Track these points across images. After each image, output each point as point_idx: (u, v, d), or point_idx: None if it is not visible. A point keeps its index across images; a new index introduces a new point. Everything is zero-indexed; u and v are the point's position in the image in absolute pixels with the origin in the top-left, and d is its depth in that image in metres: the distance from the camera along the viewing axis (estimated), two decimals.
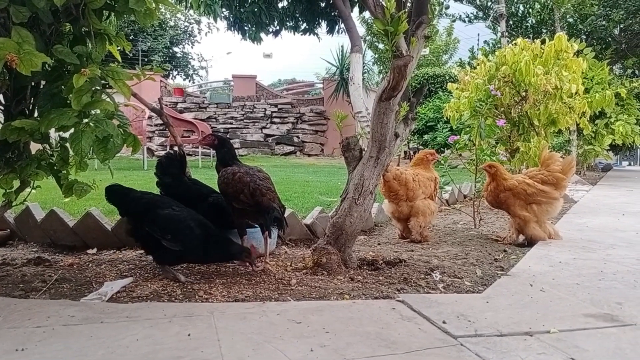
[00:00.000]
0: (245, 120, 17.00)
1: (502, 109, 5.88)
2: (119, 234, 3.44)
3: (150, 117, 14.89)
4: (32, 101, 2.90)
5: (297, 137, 17.11)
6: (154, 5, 2.96)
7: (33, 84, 2.85)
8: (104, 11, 2.97)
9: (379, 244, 3.76)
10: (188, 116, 14.79)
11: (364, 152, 3.12)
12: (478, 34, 22.20)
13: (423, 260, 3.21)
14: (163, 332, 1.90)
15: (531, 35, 12.66)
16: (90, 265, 3.00)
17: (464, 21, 16.18)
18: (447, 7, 16.50)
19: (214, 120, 16.66)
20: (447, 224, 4.77)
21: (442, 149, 12.03)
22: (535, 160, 5.57)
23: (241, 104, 17.19)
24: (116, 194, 2.91)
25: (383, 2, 2.63)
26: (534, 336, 1.95)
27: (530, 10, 13.76)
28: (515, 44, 5.96)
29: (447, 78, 14.45)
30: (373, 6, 2.77)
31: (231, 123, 16.86)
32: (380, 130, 2.97)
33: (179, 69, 23.44)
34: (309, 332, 1.93)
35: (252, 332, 1.91)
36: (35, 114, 2.88)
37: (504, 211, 3.97)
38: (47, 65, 2.71)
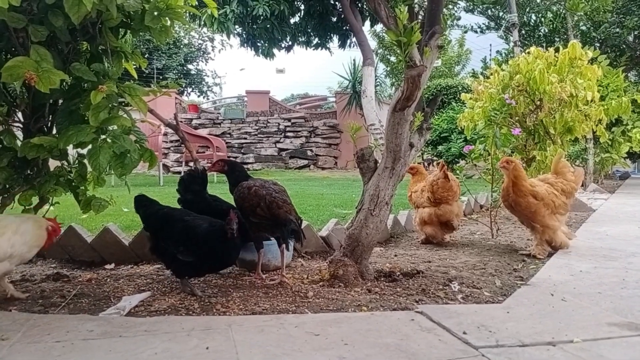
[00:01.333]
0: (259, 135, 17.11)
1: (517, 117, 5.84)
2: (137, 249, 3.46)
3: (165, 134, 15.06)
4: (50, 118, 2.95)
5: (311, 150, 17.16)
6: (169, 22, 3.01)
7: (51, 101, 2.90)
8: (120, 29, 3.02)
9: (395, 256, 3.73)
10: (203, 132, 14.92)
11: (378, 163, 3.11)
12: (490, 45, 22.17)
13: (441, 271, 3.18)
14: (181, 345, 1.90)
15: (544, 44, 12.58)
16: (109, 280, 3.02)
17: (476, 32, 16.19)
18: (459, 19, 16.53)
19: (229, 135, 16.79)
20: (464, 234, 4.72)
21: (456, 159, 11.96)
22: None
23: (255, 119, 17.31)
24: (140, 207, 2.96)
25: (395, 13, 2.64)
26: (557, 346, 1.91)
27: (543, 19, 13.70)
28: (529, 52, 5.94)
29: (460, 89, 14.39)
30: (386, 18, 2.78)
31: (245, 138, 16.96)
32: (395, 141, 2.97)
33: (193, 86, 23.72)
34: (327, 344, 1.91)
35: (270, 345, 1.90)
36: (54, 131, 2.93)
37: (522, 217, 3.89)
38: (65, 83, 2.77)
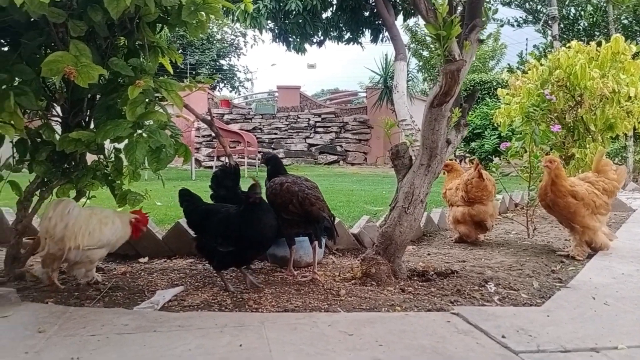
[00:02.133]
0: (289, 131, 17.12)
1: (556, 114, 5.66)
2: (170, 243, 3.50)
3: (198, 129, 15.23)
4: (88, 113, 2.99)
5: (341, 146, 17.08)
6: (204, 17, 3.01)
7: (89, 96, 2.93)
8: (157, 24, 3.04)
9: (428, 255, 3.67)
10: (234, 127, 15.04)
11: (413, 160, 3.05)
12: (526, 39, 21.64)
13: (476, 271, 3.11)
14: (215, 341, 1.90)
15: (584, 39, 12.19)
16: (142, 273, 3.05)
17: (513, 25, 15.78)
18: (496, 12, 16.08)
19: (259, 130, 16.86)
20: (499, 234, 4.61)
21: (489, 156, 11.70)
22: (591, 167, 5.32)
23: (285, 114, 17.33)
24: (183, 201, 2.97)
25: (435, 6, 2.57)
26: (600, 352, 1.84)
27: (583, 12, 13.28)
28: (569, 47, 5.74)
29: (495, 84, 14.11)
30: (425, 11, 2.71)
31: (276, 133, 17.01)
32: (432, 137, 2.90)
33: (225, 81, 23.94)
34: (361, 345, 1.88)
35: (303, 344, 1.88)
36: (91, 126, 2.97)
37: (561, 217, 3.77)
38: (102, 78, 2.79)
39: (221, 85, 23.59)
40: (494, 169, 4.38)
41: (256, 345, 1.86)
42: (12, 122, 2.49)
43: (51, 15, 2.36)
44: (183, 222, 3.51)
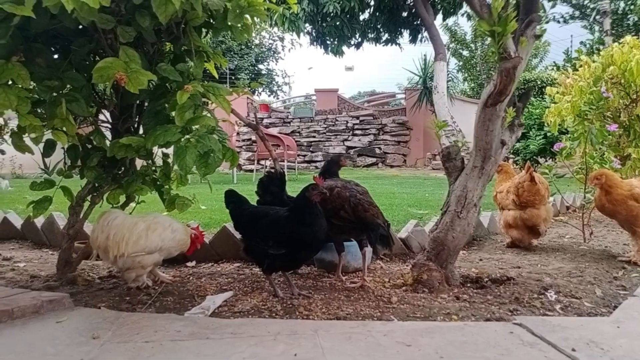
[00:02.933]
0: (327, 133, 17.10)
1: (610, 112, 5.40)
2: (217, 247, 3.49)
3: (238, 133, 15.39)
4: (137, 119, 3.01)
5: (379, 148, 16.93)
6: (249, 20, 2.99)
7: (138, 102, 2.95)
8: (202, 29, 3.03)
9: (480, 260, 3.54)
10: (273, 131, 15.11)
11: (465, 162, 2.94)
12: (571, 35, 20.91)
13: (534, 278, 2.96)
14: (269, 350, 1.85)
15: (633, 34, 11.70)
16: (191, 278, 3.05)
17: (558, 22, 15.29)
18: (554, 5, 15.42)
19: (298, 134, 16.90)
20: (552, 238, 4.42)
21: (534, 157, 11.35)
22: None
23: (323, 117, 17.32)
24: (229, 202, 2.91)
25: (489, 1, 2.47)
26: None
27: (632, 7, 12.73)
28: (623, 42, 5.48)
29: (539, 83, 13.69)
30: (479, 6, 2.60)
31: (314, 136, 17.02)
32: (485, 138, 2.79)
33: (263, 86, 24.13)
34: (421, 357, 1.79)
35: (360, 354, 1.81)
36: (141, 132, 2.98)
37: (622, 222, 3.57)
38: (150, 84, 2.80)
39: (260, 89, 23.81)
40: (547, 171, 4.20)
41: (311, 355, 1.80)
42: (64, 128, 2.52)
43: (100, 21, 2.38)
44: (229, 226, 3.50)
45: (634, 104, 5.29)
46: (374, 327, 2.10)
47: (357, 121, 17.26)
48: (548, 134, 10.86)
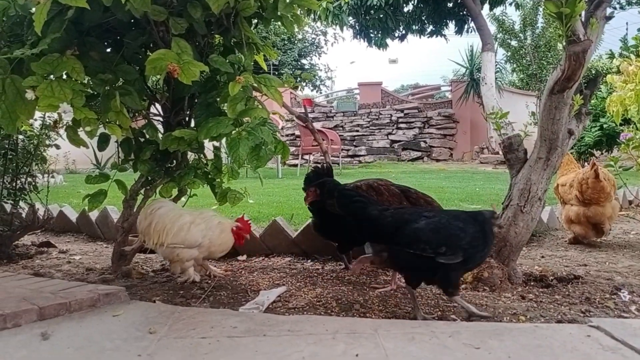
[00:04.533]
0: (371, 127, 16.93)
1: None
2: (267, 241, 3.44)
3: (282, 128, 15.42)
4: (188, 112, 2.99)
5: (424, 142, 16.62)
6: (299, 10, 2.91)
7: (189, 95, 2.93)
8: (252, 20, 2.98)
9: (542, 257, 3.35)
10: (317, 125, 15.06)
11: (529, 154, 2.78)
12: (627, 22, 19.88)
13: (603, 277, 2.78)
14: (328, 349, 1.77)
15: None
16: (243, 272, 3.01)
17: (615, 8, 14.54)
18: None
19: (341, 128, 16.81)
20: (617, 234, 4.17)
21: (589, 150, 10.87)
22: None
23: (367, 111, 17.15)
24: (352, 203, 2.37)
25: None
26: None
27: None
28: None
29: (594, 72, 13.06)
30: None
31: (357, 130, 16.88)
32: (551, 128, 2.62)
33: (307, 80, 24.13)
34: None
35: (425, 357, 1.71)
36: (192, 125, 2.96)
37: None
38: (202, 76, 2.77)
39: (303, 84, 23.82)
40: (612, 163, 3.94)
41: (374, 355, 1.71)
42: (118, 122, 2.52)
43: (153, 13, 2.35)
44: (280, 220, 3.45)
45: None
46: (437, 328, 1.99)
47: (402, 114, 17.01)
48: (605, 125, 10.35)
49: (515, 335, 1.90)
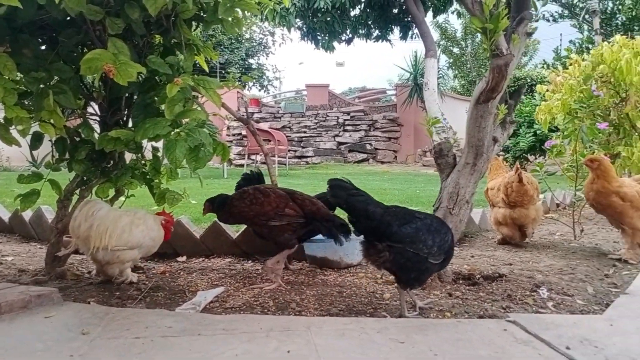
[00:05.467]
0: (318, 129, 17.06)
1: (599, 110, 5.42)
2: (207, 242, 3.45)
3: (228, 127, 15.29)
4: (126, 112, 2.96)
5: (370, 144, 16.93)
6: (240, 14, 2.95)
7: (127, 95, 2.91)
8: (193, 22, 2.99)
9: (472, 257, 3.53)
10: (264, 126, 15.04)
11: (458, 159, 2.93)
12: (560, 34, 21.02)
13: (525, 275, 2.97)
14: (261, 347, 1.82)
15: (622, 33, 11.78)
16: (182, 273, 3.01)
17: (548, 20, 15.36)
18: (546, 3, 15.55)
19: (289, 129, 16.84)
20: (543, 235, 4.43)
21: (524, 154, 11.43)
22: (638, 166, 5.08)
23: (314, 113, 17.27)
24: (345, 195, 2.31)
25: None
26: None
27: (621, 6, 12.81)
28: (613, 41, 5.50)
29: (529, 81, 13.75)
30: (470, 3, 2.59)
31: (305, 132, 16.97)
32: (477, 135, 2.78)
33: (254, 80, 23.97)
34: (415, 354, 1.78)
35: (353, 352, 1.79)
36: (130, 125, 2.94)
37: (609, 218, 3.59)
38: (139, 76, 2.75)
39: (250, 84, 23.67)
40: (537, 168, 4.20)
41: (304, 352, 1.78)
42: (51, 120, 2.47)
43: (89, 12, 2.33)
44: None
45: (624, 103, 5.30)
46: (367, 324, 2.09)
47: (348, 117, 17.23)
48: (538, 132, 10.90)
49: (438, 330, 2.02)
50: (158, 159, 2.99)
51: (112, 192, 2.99)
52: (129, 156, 3.02)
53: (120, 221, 2.67)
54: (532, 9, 2.83)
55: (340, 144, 16.90)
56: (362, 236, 2.35)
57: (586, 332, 1.99)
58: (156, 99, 2.74)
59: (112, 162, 2.93)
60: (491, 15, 2.43)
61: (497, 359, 1.74)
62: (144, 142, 2.78)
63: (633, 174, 5.04)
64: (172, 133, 2.47)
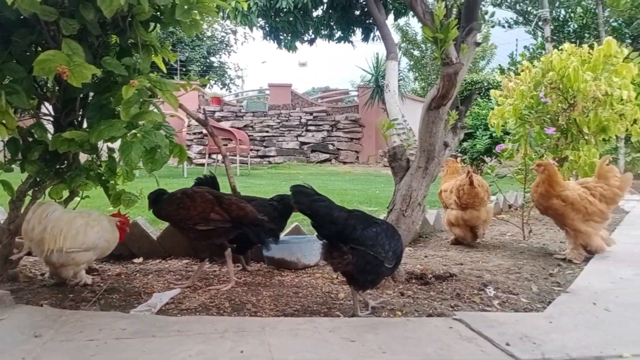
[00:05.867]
0: (281, 129, 17.07)
1: (549, 116, 5.66)
2: (165, 243, 3.45)
3: (189, 126, 15.11)
4: (81, 112, 2.93)
5: (332, 144, 17.07)
6: (198, 16, 2.95)
7: (82, 95, 2.87)
8: (150, 23, 2.98)
9: (425, 257, 3.65)
10: (225, 125, 14.95)
11: (411, 162, 3.03)
12: (516, 40, 21.63)
13: (475, 275, 3.09)
14: (215, 347, 1.86)
15: (574, 40, 12.27)
16: (138, 275, 3.00)
17: (503, 27, 15.86)
18: (493, 14, 16.18)
19: (251, 128, 16.78)
20: (495, 235, 4.61)
21: (481, 156, 11.75)
22: (585, 170, 5.33)
23: (277, 112, 17.28)
24: (308, 201, 2.31)
25: (432, 9, 2.55)
26: None
27: (572, 14, 13.35)
28: (562, 49, 5.75)
29: (486, 85, 14.16)
30: (422, 13, 2.68)
31: (267, 131, 16.95)
32: (429, 140, 2.88)
33: (216, 79, 23.78)
34: (365, 352, 1.85)
35: (306, 351, 1.85)
36: (84, 125, 2.91)
37: (553, 219, 3.79)
38: (95, 77, 2.73)
39: (212, 82, 23.46)
40: (489, 171, 4.37)
41: (258, 352, 1.82)
42: (3, 121, 2.43)
43: (42, 13, 2.30)
44: None
45: (572, 108, 5.56)
46: (320, 324, 2.15)
47: (311, 117, 17.32)
48: (494, 134, 11.24)
49: (389, 328, 2.10)
50: (114, 159, 2.97)
51: (66, 194, 2.95)
52: (84, 157, 2.99)
53: (75, 223, 2.64)
54: (481, 20, 2.96)
55: (303, 143, 16.96)
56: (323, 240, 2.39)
57: (527, 329, 2.11)
58: (112, 100, 2.72)
59: (66, 163, 2.89)
60: (442, 25, 2.53)
61: (442, 356, 1.83)
62: (100, 143, 2.77)
63: (580, 177, 5.30)
64: (128, 135, 2.47)
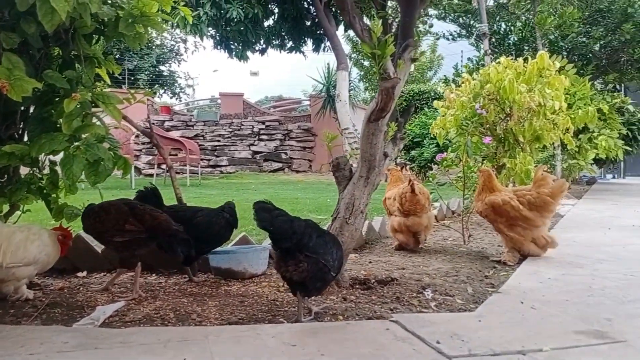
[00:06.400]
0: (232, 138, 17.03)
1: (488, 125, 5.96)
2: (109, 256, 3.42)
3: (137, 136, 14.84)
4: (21, 125, 2.90)
5: (285, 153, 17.16)
6: (143, 29, 2.98)
7: (23, 108, 2.85)
8: (93, 35, 2.99)
9: (370, 262, 3.78)
10: (175, 134, 14.78)
11: (354, 172, 3.15)
12: (462, 51, 22.50)
13: (415, 279, 3.23)
14: (158, 357, 1.89)
15: (513, 52, 12.87)
16: (81, 289, 2.98)
17: (448, 39, 16.47)
18: (432, 26, 16.79)
19: (202, 138, 16.66)
20: (437, 240, 4.80)
21: (428, 164, 12.11)
22: (521, 177, 5.64)
23: (228, 122, 17.22)
24: (270, 217, 2.33)
25: (370, 26, 2.68)
26: (527, 355, 1.97)
27: (512, 28, 14.01)
28: (499, 62, 6.07)
29: (433, 94, 14.61)
30: (360, 30, 2.83)
31: (219, 140, 16.87)
32: (370, 151, 3.01)
33: (165, 88, 23.44)
34: (304, 355, 1.93)
35: (247, 356, 1.91)
36: (25, 138, 2.88)
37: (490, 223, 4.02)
38: (37, 90, 2.72)
39: (161, 91, 23.10)
40: (430, 179, 4.56)
41: (200, 358, 1.88)
42: None
43: None
44: None
45: (508, 118, 5.88)
46: (263, 330, 2.22)
47: (263, 126, 17.36)
48: (440, 143, 11.66)
49: (329, 332, 2.20)
50: (56, 173, 2.95)
51: (6, 208, 2.91)
52: (25, 170, 2.95)
53: (15, 237, 2.60)
54: (416, 37, 3.12)
55: (255, 153, 16.97)
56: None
57: (457, 328, 2.25)
58: (53, 113, 2.71)
59: (6, 176, 2.85)
60: (379, 41, 2.67)
61: (377, 355, 1.93)
62: (42, 156, 2.74)
63: (517, 184, 5.60)
64: (70, 148, 2.47)
